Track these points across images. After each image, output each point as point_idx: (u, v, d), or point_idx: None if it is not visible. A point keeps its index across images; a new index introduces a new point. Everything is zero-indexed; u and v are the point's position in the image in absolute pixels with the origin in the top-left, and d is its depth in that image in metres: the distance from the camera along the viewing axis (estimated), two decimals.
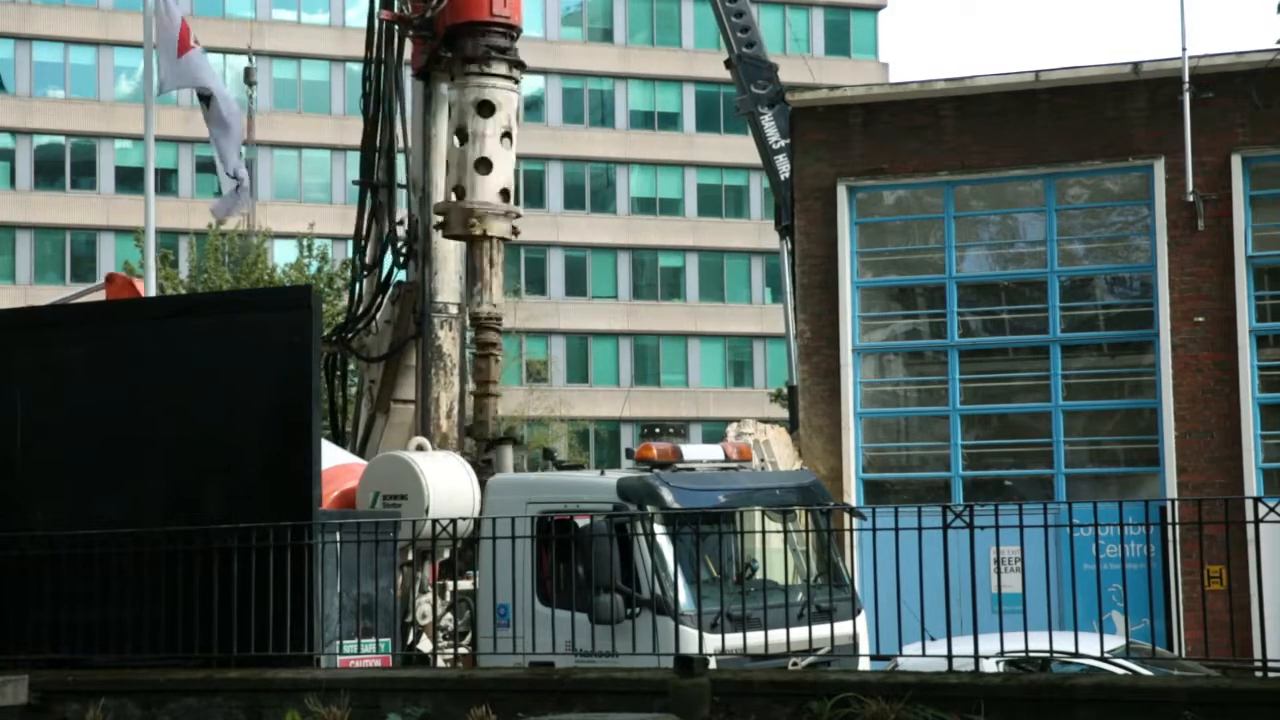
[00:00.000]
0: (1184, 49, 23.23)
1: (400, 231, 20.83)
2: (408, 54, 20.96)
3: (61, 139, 65.60)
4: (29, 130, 64.99)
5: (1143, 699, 11.43)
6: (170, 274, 42.37)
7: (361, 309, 21.13)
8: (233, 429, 14.74)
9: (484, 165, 19.14)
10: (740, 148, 68.50)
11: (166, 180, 62.52)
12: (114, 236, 63.46)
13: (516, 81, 19.43)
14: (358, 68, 67.28)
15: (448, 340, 19.98)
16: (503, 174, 19.14)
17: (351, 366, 22.74)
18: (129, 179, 63.76)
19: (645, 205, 70.49)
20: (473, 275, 19.44)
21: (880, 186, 25.22)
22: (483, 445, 19.14)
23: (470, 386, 19.92)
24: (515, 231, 19.49)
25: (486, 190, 19.07)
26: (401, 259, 20.38)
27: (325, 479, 15.39)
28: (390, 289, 20.72)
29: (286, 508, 14.01)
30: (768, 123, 30.38)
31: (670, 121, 71.24)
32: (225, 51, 66.63)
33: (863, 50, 72.79)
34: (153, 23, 18.77)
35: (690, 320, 70.34)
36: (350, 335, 21.14)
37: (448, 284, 20.02)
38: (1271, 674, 13.28)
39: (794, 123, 25.78)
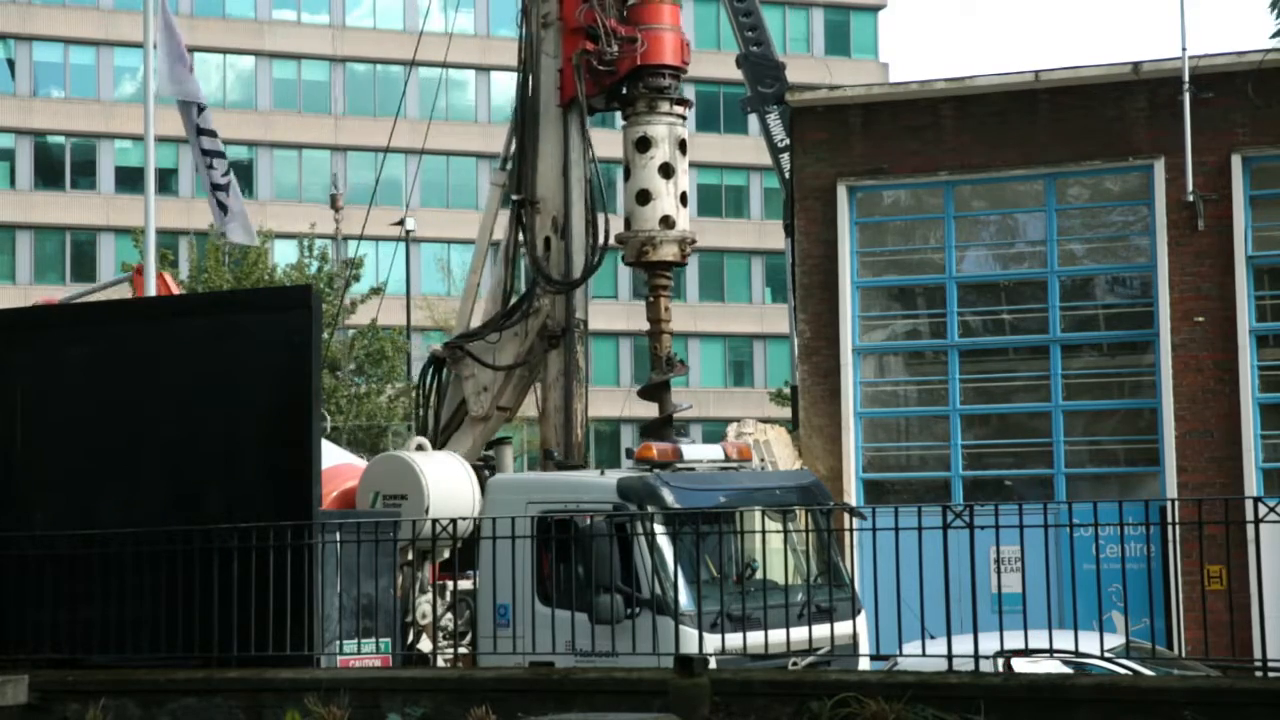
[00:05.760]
0: (1184, 49, 23.22)
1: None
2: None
3: (61, 139, 65.59)
4: (29, 130, 64.99)
5: (1143, 699, 11.44)
6: (170, 274, 42.26)
7: (493, 319, 21.22)
8: (233, 429, 14.75)
9: (644, 196, 20.12)
10: (740, 148, 68.56)
11: (166, 180, 62.46)
12: (114, 236, 63.45)
13: (683, 118, 20.45)
14: (358, 68, 67.78)
15: (581, 355, 20.62)
16: (664, 203, 20.17)
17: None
18: (129, 179, 63.73)
19: None
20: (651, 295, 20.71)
21: (880, 186, 25.20)
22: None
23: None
24: (685, 255, 20.55)
25: (648, 219, 20.15)
26: (543, 276, 20.79)
27: (325, 479, 15.41)
28: (523, 302, 20.96)
29: (286, 508, 14.02)
30: (773, 121, 30.42)
31: None
32: (225, 51, 66.69)
33: (863, 50, 72.76)
34: (152, 23, 18.77)
35: (690, 320, 70.29)
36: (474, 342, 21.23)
37: (580, 302, 20.82)
38: (1271, 674, 13.29)
39: (794, 123, 25.76)
